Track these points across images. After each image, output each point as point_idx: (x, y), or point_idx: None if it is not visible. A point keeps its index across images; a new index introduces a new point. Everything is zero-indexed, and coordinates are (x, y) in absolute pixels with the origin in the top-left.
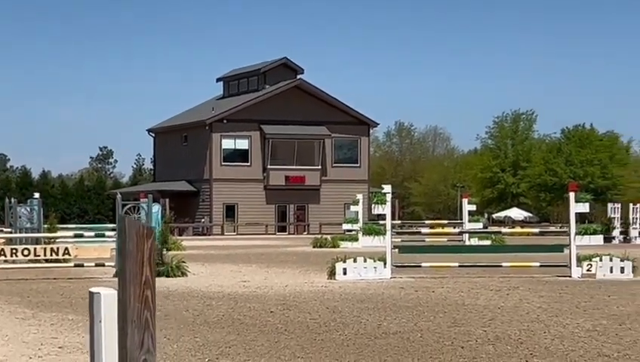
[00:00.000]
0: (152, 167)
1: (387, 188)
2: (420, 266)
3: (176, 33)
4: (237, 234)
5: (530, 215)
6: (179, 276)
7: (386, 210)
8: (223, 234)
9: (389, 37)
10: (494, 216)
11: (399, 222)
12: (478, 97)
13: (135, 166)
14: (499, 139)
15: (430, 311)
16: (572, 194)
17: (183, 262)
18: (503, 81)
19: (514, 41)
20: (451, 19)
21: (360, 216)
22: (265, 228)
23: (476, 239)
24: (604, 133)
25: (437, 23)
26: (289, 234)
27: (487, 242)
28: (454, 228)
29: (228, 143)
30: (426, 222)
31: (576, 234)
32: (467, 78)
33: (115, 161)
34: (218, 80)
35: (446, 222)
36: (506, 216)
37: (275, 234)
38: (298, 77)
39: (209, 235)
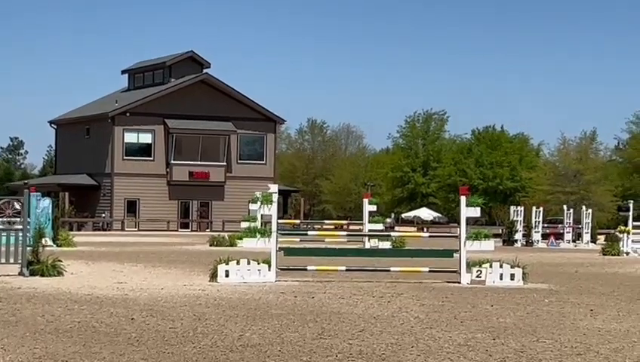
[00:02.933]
0: None
1: (274, 188)
2: (305, 269)
3: (85, 22)
4: (138, 230)
5: (440, 215)
6: (54, 276)
7: (272, 210)
8: (123, 229)
9: (303, 34)
10: (403, 215)
11: (298, 221)
12: (391, 96)
13: (46, 157)
14: (410, 139)
15: (301, 320)
16: (463, 198)
17: (59, 260)
18: (416, 81)
19: (427, 41)
20: (364, 17)
21: (259, 215)
22: (167, 224)
23: (376, 240)
24: (514, 136)
25: (349, 22)
26: (191, 231)
27: (388, 244)
28: (361, 228)
29: (131, 137)
30: (326, 221)
31: (468, 238)
32: (381, 77)
33: (26, 152)
34: (123, 72)
35: (346, 222)
36: (415, 216)
37: (177, 230)
38: (204, 71)
39: (109, 231)
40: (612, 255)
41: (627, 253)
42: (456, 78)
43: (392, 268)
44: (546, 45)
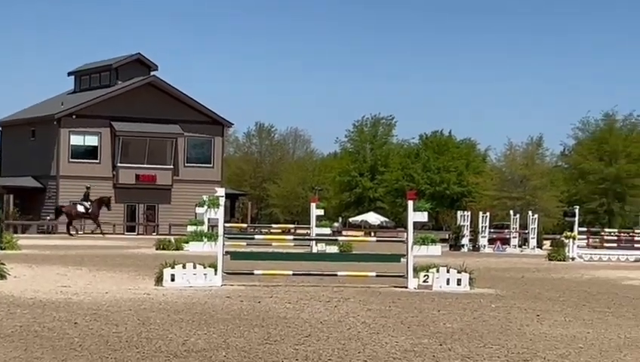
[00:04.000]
0: None
1: (220, 192)
2: (252, 274)
3: (31, 22)
4: (84, 233)
5: (387, 220)
6: None
7: (218, 214)
8: (69, 233)
9: (251, 37)
10: (351, 220)
11: (245, 225)
12: (339, 100)
13: None
14: (358, 144)
15: (247, 325)
16: (410, 203)
17: (2, 263)
18: (365, 86)
19: (376, 45)
20: (313, 20)
21: (205, 218)
22: (113, 227)
23: (324, 245)
24: (461, 141)
25: (296, 26)
26: (138, 234)
27: (335, 248)
28: (308, 233)
29: (77, 139)
30: (274, 226)
31: (415, 243)
32: (329, 81)
33: None
34: (69, 74)
35: (293, 226)
36: (362, 221)
37: (123, 233)
38: (152, 73)
39: (54, 234)
40: (558, 260)
41: (573, 259)
42: (405, 82)
43: (339, 273)
44: (492, 50)
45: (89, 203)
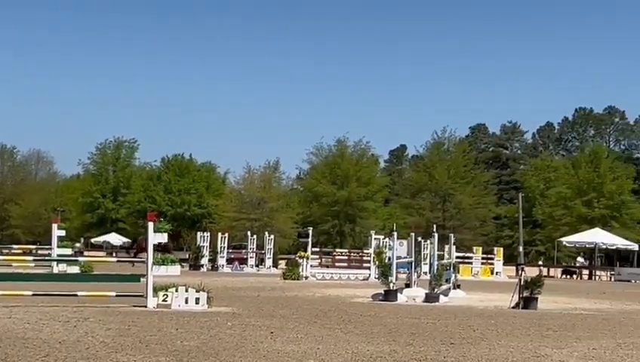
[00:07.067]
0: None
1: None
2: None
3: None
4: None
5: (129, 240)
6: None
7: None
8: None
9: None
10: (93, 240)
11: None
12: (82, 123)
13: None
14: (101, 166)
15: None
16: (151, 224)
17: None
18: (106, 109)
19: (117, 70)
20: (50, 45)
21: None
22: None
23: (65, 265)
24: (202, 164)
25: (39, 48)
26: None
27: (76, 268)
28: (50, 253)
29: None
30: (14, 246)
31: (155, 263)
32: (69, 103)
33: None
34: None
35: (34, 247)
36: (104, 241)
37: None
38: None
39: None
40: (292, 279)
41: (306, 278)
42: (146, 106)
43: (79, 293)
44: (229, 78)
45: None
